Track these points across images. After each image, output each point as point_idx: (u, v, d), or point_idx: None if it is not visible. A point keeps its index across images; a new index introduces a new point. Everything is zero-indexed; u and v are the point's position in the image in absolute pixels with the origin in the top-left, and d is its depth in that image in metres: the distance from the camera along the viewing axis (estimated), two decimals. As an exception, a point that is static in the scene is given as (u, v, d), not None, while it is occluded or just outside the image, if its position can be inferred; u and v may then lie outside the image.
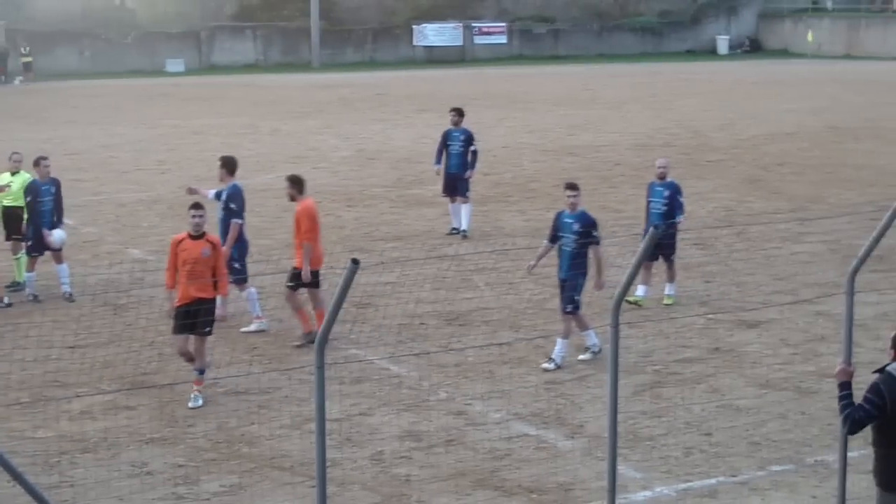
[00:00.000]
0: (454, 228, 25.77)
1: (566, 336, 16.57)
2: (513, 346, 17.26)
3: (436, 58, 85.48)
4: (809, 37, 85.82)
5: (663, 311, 19.17)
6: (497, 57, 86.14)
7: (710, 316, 18.74)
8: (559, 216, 17.15)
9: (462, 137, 25.83)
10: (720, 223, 25.70)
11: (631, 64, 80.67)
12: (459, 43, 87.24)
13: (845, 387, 9.59)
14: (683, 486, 12.73)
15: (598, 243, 16.85)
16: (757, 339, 17.82)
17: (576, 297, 16.63)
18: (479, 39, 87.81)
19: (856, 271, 11.64)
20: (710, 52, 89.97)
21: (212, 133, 45.23)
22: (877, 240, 11.31)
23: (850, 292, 11.80)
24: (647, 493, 12.58)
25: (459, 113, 26.23)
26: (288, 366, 16.25)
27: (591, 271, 16.85)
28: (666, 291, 19.78)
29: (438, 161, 26.16)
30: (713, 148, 39.13)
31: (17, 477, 8.53)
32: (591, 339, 16.85)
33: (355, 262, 8.96)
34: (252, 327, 18.36)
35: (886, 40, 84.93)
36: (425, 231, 25.83)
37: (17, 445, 13.46)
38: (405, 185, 32.50)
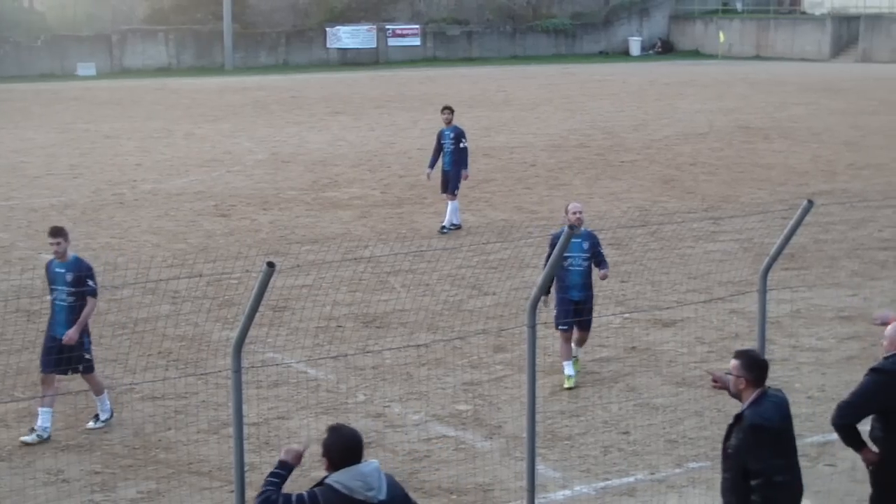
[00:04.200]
0: (454, 224, 26.28)
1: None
2: (430, 347, 17.27)
3: (350, 60, 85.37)
4: (721, 37, 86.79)
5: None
6: (411, 59, 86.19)
7: (625, 315, 18.87)
8: (49, 266, 14.62)
9: (452, 135, 26.40)
10: (634, 223, 25.86)
11: (544, 65, 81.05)
12: (373, 45, 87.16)
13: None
14: (602, 484, 12.80)
15: (93, 294, 14.34)
16: (672, 338, 17.95)
17: (87, 356, 14.34)
18: (392, 41, 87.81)
19: (768, 269, 11.77)
20: (623, 54, 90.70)
21: (125, 137, 44.84)
22: (787, 238, 11.45)
23: (764, 290, 11.92)
24: (567, 493, 12.63)
25: (450, 111, 26.77)
26: (204, 370, 16.14)
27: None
28: (567, 371, 15.97)
29: (433, 165, 26.70)
30: (627, 148, 39.40)
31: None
32: (105, 404, 14.55)
33: (271, 265, 8.93)
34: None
35: (794, 41, 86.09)
36: (341, 233, 25.79)
37: (-70, 455, 13.29)
38: (320, 187, 32.42)
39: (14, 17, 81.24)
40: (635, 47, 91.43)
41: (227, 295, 19.62)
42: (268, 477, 8.10)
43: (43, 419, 14.03)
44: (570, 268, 15.87)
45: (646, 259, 22.72)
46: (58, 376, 14.39)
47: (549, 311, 16.12)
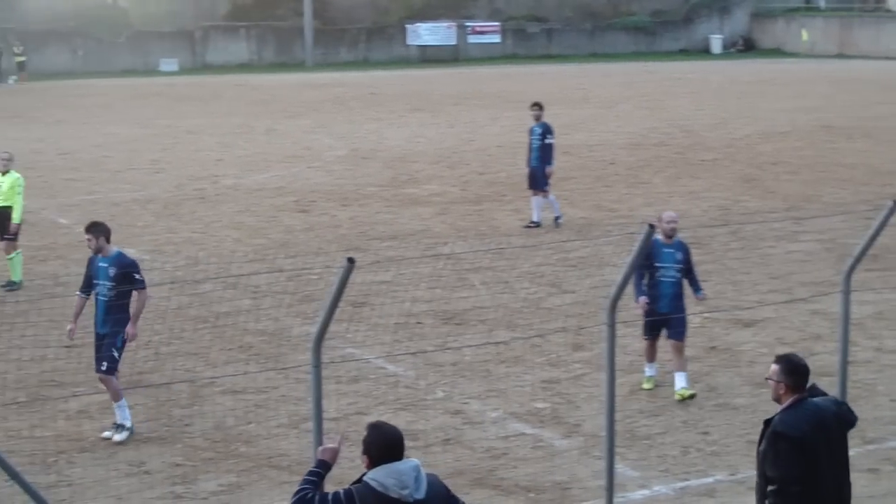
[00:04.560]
0: (533, 222, 26.17)
1: None
2: (509, 344, 17.26)
3: (429, 57, 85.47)
4: (804, 35, 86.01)
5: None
6: (490, 56, 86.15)
7: (706, 315, 18.73)
8: (91, 260, 14.56)
9: (540, 131, 26.37)
10: (715, 222, 25.70)
11: (624, 63, 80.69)
12: (453, 42, 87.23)
13: None
14: (681, 484, 12.74)
15: (142, 287, 14.32)
16: (753, 338, 17.83)
17: (114, 355, 14.03)
18: (472, 39, 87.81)
19: (852, 270, 11.67)
20: (704, 52, 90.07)
21: (206, 133, 45.20)
22: (872, 239, 11.34)
23: (847, 291, 11.83)
24: (645, 492, 12.58)
25: (540, 107, 26.67)
26: (284, 365, 16.23)
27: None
28: (678, 385, 15.36)
29: (529, 161, 26.66)
30: (707, 147, 39.15)
31: (15, 476, 8.53)
32: (125, 412, 14.06)
33: (351, 260, 8.97)
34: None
35: (879, 39, 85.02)
36: (420, 230, 25.83)
37: (15, 445, 13.45)
38: (399, 184, 32.49)
39: (98, 13, 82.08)
40: (716, 45, 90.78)
41: (307, 290, 19.72)
42: (305, 476, 8.08)
43: (121, 415, 14.00)
44: (662, 279, 15.30)
45: (726, 259, 22.59)
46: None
47: (629, 310, 16.05)
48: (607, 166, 35.25)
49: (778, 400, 9.00)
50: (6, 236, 21.13)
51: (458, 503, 8.25)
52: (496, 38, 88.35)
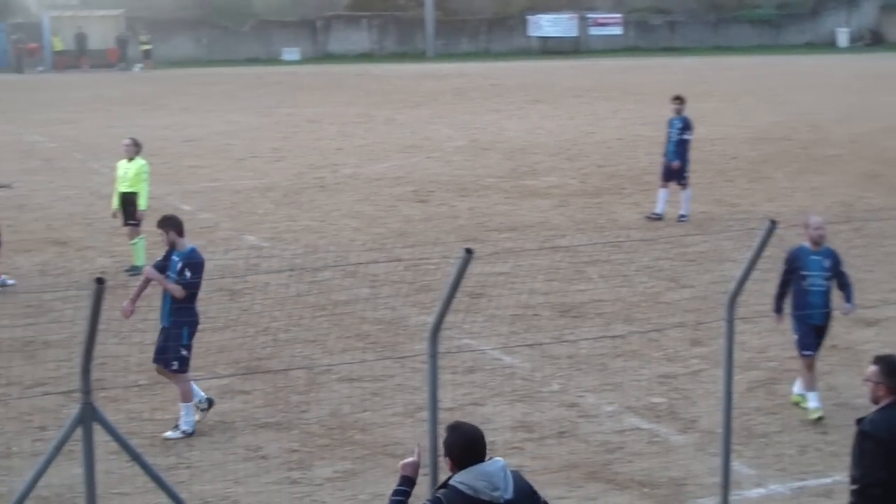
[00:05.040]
0: (655, 213, 26.04)
1: None
2: (626, 338, 17.17)
3: (550, 48, 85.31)
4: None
5: (779, 306, 18.92)
6: (612, 48, 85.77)
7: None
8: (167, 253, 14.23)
9: (679, 125, 26.23)
10: (838, 219, 25.31)
11: (747, 57, 79.85)
12: (574, 34, 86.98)
13: None
14: (798, 484, 12.58)
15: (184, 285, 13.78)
16: (875, 338, 17.54)
17: (184, 354, 13.86)
18: (594, 30, 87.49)
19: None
20: (830, 45, 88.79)
21: (326, 122, 45.54)
22: None
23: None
24: (761, 491, 12.45)
25: (681, 101, 26.55)
26: (401, 354, 16.30)
27: None
28: (812, 404, 14.53)
29: (666, 153, 26.51)
30: (831, 142, 38.60)
31: (136, 457, 8.68)
32: (189, 415, 13.81)
33: (469, 251, 8.97)
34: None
35: None
36: (539, 222, 25.78)
37: (136, 427, 13.66)
38: (519, 175, 32.46)
39: (222, 3, 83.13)
40: (842, 39, 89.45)
41: (425, 280, 19.77)
42: (392, 496, 8.00)
43: (185, 418, 13.79)
44: (811, 288, 14.39)
45: (849, 256, 22.07)
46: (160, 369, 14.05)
47: (748, 307, 15.85)
48: (729, 161, 34.89)
49: (876, 402, 8.85)
50: (130, 222, 21.44)
51: (541, 501, 8.12)
52: (618, 30, 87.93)
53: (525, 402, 14.73)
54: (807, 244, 14.69)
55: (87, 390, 8.23)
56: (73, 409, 8.33)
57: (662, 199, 26.01)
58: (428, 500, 7.79)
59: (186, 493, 11.16)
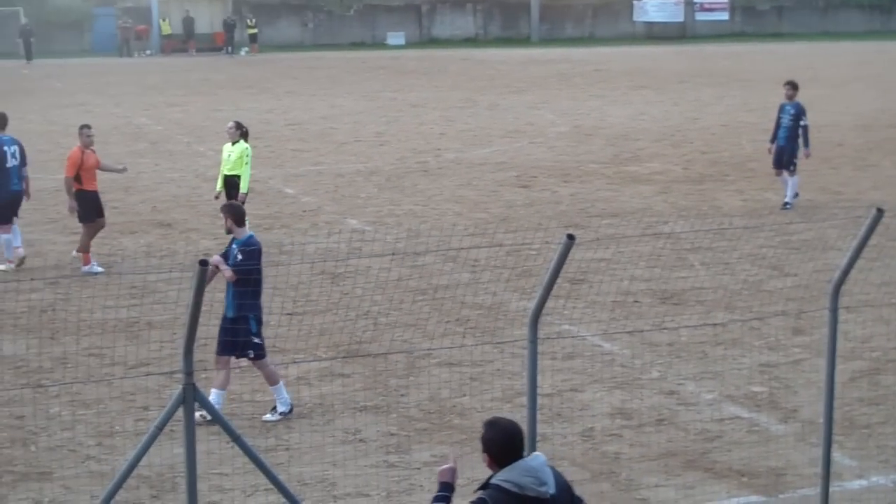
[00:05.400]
0: (787, 202, 25.87)
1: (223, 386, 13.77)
2: (727, 326, 17.04)
3: (656, 34, 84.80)
4: None
5: (884, 296, 18.69)
6: (718, 34, 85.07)
7: (932, 303, 18.23)
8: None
9: (793, 111, 26.03)
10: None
11: (857, 42, 78.78)
12: (680, 19, 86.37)
13: None
14: (901, 476, 12.43)
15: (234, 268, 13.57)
16: None
17: (256, 342, 13.78)
18: (700, 16, 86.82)
19: None
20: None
21: (429, 106, 45.64)
22: None
23: None
24: (863, 482, 12.30)
25: (793, 86, 26.31)
26: (501, 339, 16.31)
27: None
28: None
29: (773, 139, 26.29)
30: (941, 130, 38.01)
31: (236, 439, 8.76)
32: (282, 395, 13.93)
33: (570, 237, 8.94)
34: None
35: None
36: (641, 208, 25.66)
37: (237, 408, 13.82)
38: (621, 161, 32.32)
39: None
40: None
41: (526, 265, 19.76)
42: (432, 502, 7.80)
43: (215, 398, 13.48)
44: None
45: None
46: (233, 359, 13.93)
47: (853, 296, 15.66)
48: (834, 148, 34.47)
49: None
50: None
51: (576, 497, 7.90)
52: (724, 16, 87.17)
53: (624, 389, 14.69)
54: None
55: (189, 371, 8.32)
56: (176, 390, 8.43)
57: (784, 184, 25.77)
58: (471, 503, 7.51)
59: (285, 474, 11.27)
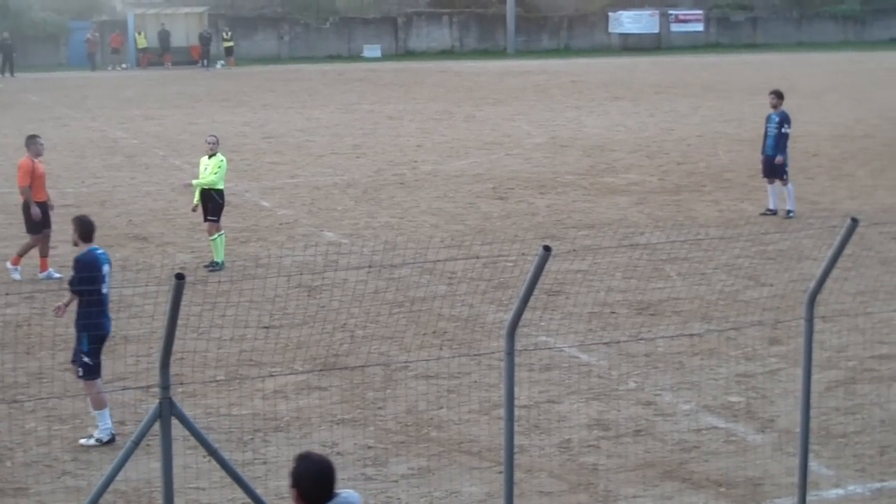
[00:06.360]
0: (768, 209, 26.13)
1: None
2: (704, 337, 17.07)
3: (631, 45, 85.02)
4: None
5: (859, 305, 18.76)
6: (693, 45, 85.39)
7: (907, 312, 18.29)
8: None
9: (777, 119, 26.23)
10: (921, 217, 25.05)
11: (831, 53, 79.09)
12: (655, 30, 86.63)
13: None
14: (878, 485, 12.44)
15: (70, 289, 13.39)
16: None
17: (86, 361, 13.31)
18: (675, 27, 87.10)
19: None
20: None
21: (406, 118, 45.65)
22: None
23: None
24: (839, 491, 12.33)
25: (778, 96, 26.54)
26: (477, 351, 16.31)
27: None
28: None
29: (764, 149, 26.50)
30: (916, 140, 38.18)
31: (213, 453, 8.73)
32: (105, 421, 13.30)
33: (547, 249, 8.95)
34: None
35: None
36: (617, 219, 25.70)
37: (213, 422, 13.78)
38: (598, 172, 32.37)
39: (304, 0, 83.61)
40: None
41: (503, 277, 19.77)
42: None
43: (100, 424, 13.30)
44: None
45: (932, 255, 21.99)
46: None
47: (828, 305, 15.71)
48: (810, 158, 34.58)
49: None
50: (210, 218, 21.59)
51: None
52: (700, 27, 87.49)
53: (601, 400, 14.69)
54: None
55: (165, 385, 8.30)
56: (152, 404, 8.41)
57: (773, 194, 26.02)
58: None
59: (262, 488, 11.25)
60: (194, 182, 21.68)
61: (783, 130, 25.91)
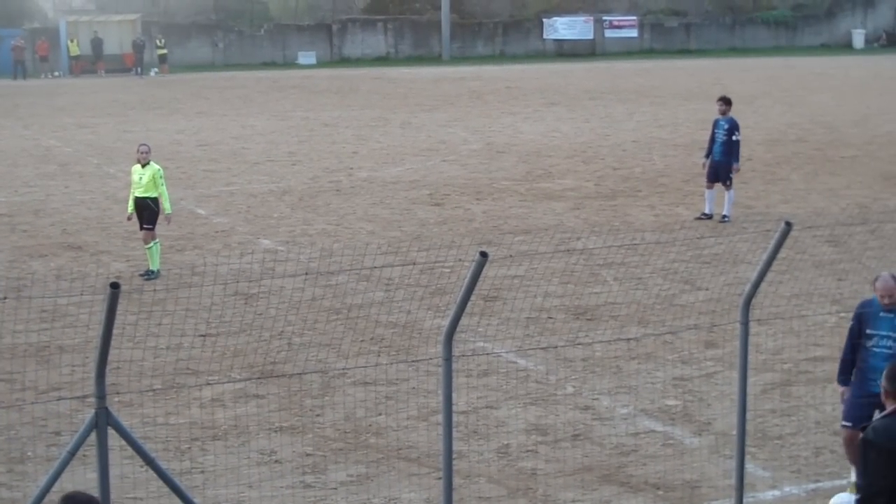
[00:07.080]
0: (704, 214, 26.29)
1: None
2: (641, 341, 17.15)
3: (566, 51, 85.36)
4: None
5: (794, 308, 18.91)
6: (628, 50, 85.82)
7: (842, 314, 18.44)
8: None
9: (727, 126, 26.40)
10: (853, 220, 25.29)
11: (763, 58, 79.76)
12: (590, 36, 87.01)
13: None
14: (813, 486, 12.55)
15: None
16: (890, 338, 17.46)
17: None
18: (609, 33, 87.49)
19: None
20: (846, 47, 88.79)
21: (342, 125, 45.58)
22: None
23: None
24: (776, 493, 12.42)
25: (726, 102, 26.78)
26: (415, 357, 16.30)
27: None
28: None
29: (708, 154, 26.70)
30: (847, 144, 38.53)
31: (150, 462, 8.69)
32: None
33: (484, 254, 8.96)
34: None
35: None
36: (554, 225, 25.78)
37: (150, 431, 13.68)
38: (534, 178, 32.46)
39: (239, 6, 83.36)
40: (858, 40, 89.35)
41: (440, 283, 19.78)
42: None
43: None
44: (875, 349, 11.96)
45: (864, 258, 22.20)
46: None
47: (763, 308, 15.84)
48: (744, 163, 34.71)
49: (883, 407, 8.65)
50: (146, 226, 21.46)
51: None
52: (633, 33, 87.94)
53: (539, 405, 14.73)
54: (878, 298, 12.16)
55: (101, 395, 8.25)
56: (88, 414, 8.35)
57: (709, 198, 26.21)
58: None
59: (200, 497, 11.19)
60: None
61: (734, 138, 26.10)
